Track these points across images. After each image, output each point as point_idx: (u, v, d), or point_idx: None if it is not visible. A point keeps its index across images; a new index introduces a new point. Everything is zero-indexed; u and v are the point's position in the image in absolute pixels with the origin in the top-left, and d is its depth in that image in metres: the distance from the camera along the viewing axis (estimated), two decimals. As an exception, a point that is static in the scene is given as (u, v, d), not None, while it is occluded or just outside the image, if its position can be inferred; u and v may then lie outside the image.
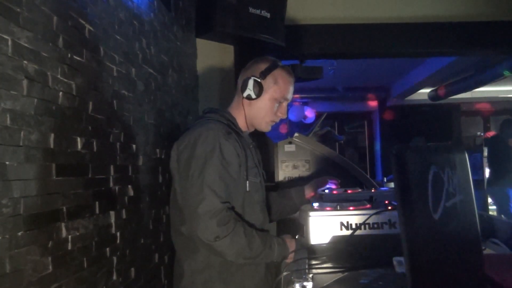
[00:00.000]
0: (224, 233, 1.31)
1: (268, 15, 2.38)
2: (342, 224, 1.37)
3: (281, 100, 1.56)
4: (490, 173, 5.57)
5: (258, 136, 2.63)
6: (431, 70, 5.56)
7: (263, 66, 1.55)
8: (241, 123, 1.57)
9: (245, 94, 1.52)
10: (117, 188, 1.44)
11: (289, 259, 1.45)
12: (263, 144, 2.64)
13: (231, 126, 1.51)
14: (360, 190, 1.82)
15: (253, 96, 1.52)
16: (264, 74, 1.53)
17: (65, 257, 1.11)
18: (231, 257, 1.37)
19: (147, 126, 1.73)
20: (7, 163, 0.91)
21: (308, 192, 1.79)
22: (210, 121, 1.49)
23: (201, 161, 1.37)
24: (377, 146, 7.98)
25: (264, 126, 1.59)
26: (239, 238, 1.34)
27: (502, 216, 5.09)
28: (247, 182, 1.46)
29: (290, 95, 1.59)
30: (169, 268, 1.88)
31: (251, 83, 1.51)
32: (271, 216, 1.72)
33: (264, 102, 1.54)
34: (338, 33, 2.87)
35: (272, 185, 2.51)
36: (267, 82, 1.53)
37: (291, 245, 1.47)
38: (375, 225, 1.36)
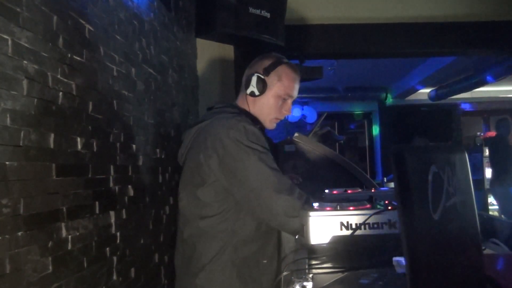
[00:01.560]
0: (307, 207, 1.32)
1: (268, 15, 2.38)
2: (342, 224, 1.37)
3: (285, 97, 1.55)
4: (492, 173, 5.57)
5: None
6: (431, 70, 5.57)
7: (267, 63, 1.53)
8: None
9: (248, 91, 1.51)
10: (117, 188, 1.44)
11: None
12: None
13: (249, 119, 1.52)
14: (360, 190, 1.81)
15: (257, 92, 1.51)
16: (267, 71, 1.52)
17: (65, 257, 1.11)
18: (295, 232, 1.37)
19: (147, 126, 1.73)
20: (7, 163, 0.91)
21: None
22: (233, 115, 1.47)
23: (255, 150, 1.36)
24: (377, 146, 7.99)
25: (269, 123, 1.58)
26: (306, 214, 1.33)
27: (503, 216, 5.09)
28: None
29: (295, 92, 1.57)
30: (169, 268, 1.88)
31: (254, 79, 1.50)
32: None
33: (268, 99, 1.53)
34: (338, 33, 2.87)
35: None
36: (271, 79, 1.52)
37: None
38: (375, 225, 1.36)
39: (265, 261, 1.46)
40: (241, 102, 1.58)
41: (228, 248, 1.42)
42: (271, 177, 1.35)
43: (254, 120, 1.53)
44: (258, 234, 1.46)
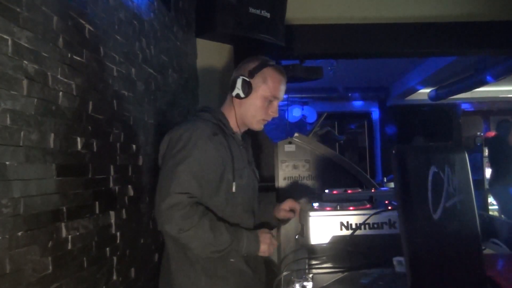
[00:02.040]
0: (188, 226, 1.34)
1: (268, 15, 2.38)
2: (342, 224, 1.37)
3: (271, 98, 1.57)
4: (492, 173, 5.58)
5: (257, 135, 2.64)
6: (431, 70, 5.57)
7: (252, 65, 1.56)
8: (233, 123, 1.59)
9: (234, 93, 1.54)
10: (117, 188, 1.44)
11: (262, 253, 1.48)
12: (262, 144, 2.65)
13: (221, 126, 1.53)
14: (360, 190, 1.82)
15: (242, 95, 1.53)
16: (252, 73, 1.54)
17: (65, 257, 1.11)
18: (196, 250, 1.40)
19: (147, 126, 1.73)
20: (7, 163, 0.91)
21: (277, 213, 1.75)
22: (199, 120, 1.51)
23: (178, 157, 1.39)
24: (377, 146, 7.98)
25: (255, 124, 1.60)
26: (203, 232, 1.36)
27: (502, 216, 5.09)
28: (234, 183, 1.48)
29: (280, 94, 1.60)
30: (169, 268, 1.88)
31: (239, 82, 1.53)
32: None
33: (254, 101, 1.55)
34: (338, 33, 2.87)
35: (272, 185, 2.51)
36: (256, 81, 1.55)
37: (264, 239, 1.48)
38: (375, 225, 1.36)
39: (232, 260, 1.48)
40: (227, 105, 1.61)
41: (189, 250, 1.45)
42: (167, 189, 1.36)
43: (226, 127, 1.55)
44: None
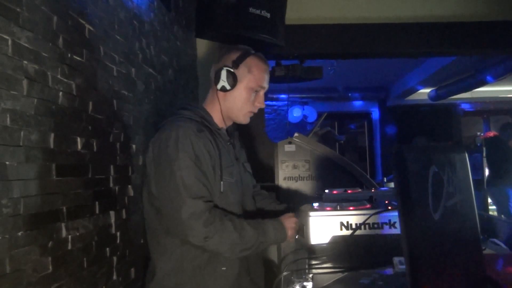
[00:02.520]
0: (213, 232, 1.29)
1: (268, 15, 2.37)
2: (342, 224, 1.37)
3: (257, 88, 1.49)
4: (489, 173, 5.58)
5: (258, 135, 2.63)
6: (431, 70, 5.56)
7: (234, 56, 1.48)
8: (217, 118, 1.51)
9: (219, 86, 1.45)
10: (117, 188, 1.44)
11: (291, 238, 1.44)
12: (262, 144, 2.65)
13: (204, 123, 1.45)
14: (360, 190, 1.81)
15: (228, 87, 1.45)
16: (236, 63, 1.46)
17: (65, 257, 1.11)
18: (227, 253, 1.35)
19: (147, 126, 1.73)
20: (7, 163, 0.91)
21: None
22: (180, 118, 1.43)
23: (174, 163, 1.32)
24: (377, 146, 7.98)
25: (242, 118, 1.52)
26: (229, 234, 1.32)
27: (502, 216, 5.09)
28: (221, 182, 1.40)
29: (266, 83, 1.52)
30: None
31: (224, 73, 1.44)
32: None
33: (240, 92, 1.47)
34: (338, 33, 2.86)
35: (272, 185, 2.51)
36: (241, 72, 1.46)
37: (289, 223, 1.44)
38: (375, 225, 1.36)
39: (224, 268, 1.42)
40: (210, 100, 1.52)
41: (177, 254, 1.39)
42: (179, 201, 1.30)
43: (210, 124, 1.46)
44: None
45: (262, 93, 1.53)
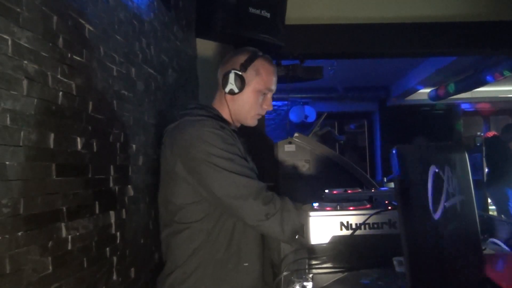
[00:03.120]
0: (273, 210, 1.30)
1: (268, 15, 2.38)
2: (342, 224, 1.37)
3: (265, 91, 1.50)
4: (488, 173, 5.58)
5: (258, 135, 2.63)
6: (431, 70, 5.57)
7: (242, 58, 1.49)
8: (227, 119, 1.53)
9: (227, 89, 1.46)
10: (117, 188, 1.44)
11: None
12: (263, 144, 2.64)
13: (219, 122, 1.47)
14: (360, 190, 1.82)
15: (236, 90, 1.46)
16: (244, 66, 1.47)
17: (65, 257, 1.11)
18: (286, 233, 1.33)
19: (147, 126, 1.73)
20: (7, 163, 0.91)
21: None
22: (200, 117, 1.44)
23: (217, 158, 1.33)
24: (377, 146, 7.98)
25: (250, 120, 1.54)
26: (290, 213, 1.33)
27: (502, 216, 5.09)
28: None
29: (274, 86, 1.53)
30: (169, 268, 1.87)
31: (232, 76, 1.45)
32: None
33: (248, 95, 1.48)
34: (338, 33, 2.87)
35: (272, 185, 2.50)
36: (249, 74, 1.47)
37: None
38: (375, 225, 1.36)
39: (246, 264, 1.42)
40: (218, 102, 1.53)
41: (202, 249, 1.40)
42: (233, 185, 1.32)
43: (224, 122, 1.49)
44: (236, 237, 1.43)
45: (270, 95, 1.54)
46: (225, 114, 1.53)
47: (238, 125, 1.59)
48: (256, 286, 1.47)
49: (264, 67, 1.50)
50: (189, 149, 1.37)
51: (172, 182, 1.45)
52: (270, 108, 1.55)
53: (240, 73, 1.46)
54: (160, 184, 1.54)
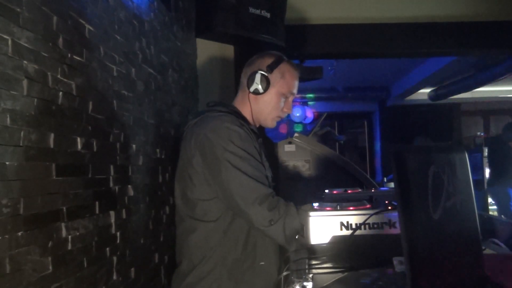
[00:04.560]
0: (277, 216, 1.32)
1: (268, 15, 2.38)
2: (342, 224, 1.37)
3: (287, 95, 1.54)
4: (490, 173, 5.58)
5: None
6: (431, 70, 5.56)
7: (269, 60, 1.53)
8: (248, 119, 1.56)
9: (252, 89, 1.50)
10: (117, 188, 1.44)
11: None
12: (263, 144, 2.64)
13: (240, 120, 1.50)
14: (360, 190, 1.82)
15: (261, 90, 1.50)
16: (271, 68, 1.51)
17: (65, 257, 1.11)
18: (287, 238, 1.35)
19: (147, 126, 1.73)
20: (7, 163, 0.91)
21: None
22: (221, 114, 1.47)
23: (232, 155, 1.36)
24: (377, 146, 7.98)
25: (270, 122, 1.57)
26: (292, 219, 1.34)
27: (502, 216, 5.09)
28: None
29: (296, 90, 1.58)
30: (169, 268, 1.87)
31: (258, 77, 1.49)
32: None
33: (271, 97, 1.52)
34: (338, 33, 2.87)
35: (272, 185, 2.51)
36: (274, 76, 1.51)
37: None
38: (375, 225, 1.36)
39: (262, 263, 1.44)
40: (240, 101, 1.57)
41: (218, 248, 1.42)
42: (243, 186, 1.35)
43: (245, 120, 1.52)
44: (252, 236, 1.45)
45: (291, 99, 1.58)
46: (246, 114, 1.56)
47: (257, 125, 1.61)
48: (272, 285, 1.47)
49: (289, 71, 1.55)
50: (207, 143, 1.40)
51: (188, 176, 1.46)
52: (290, 112, 1.61)
53: (266, 74, 1.50)
54: (175, 179, 1.56)
